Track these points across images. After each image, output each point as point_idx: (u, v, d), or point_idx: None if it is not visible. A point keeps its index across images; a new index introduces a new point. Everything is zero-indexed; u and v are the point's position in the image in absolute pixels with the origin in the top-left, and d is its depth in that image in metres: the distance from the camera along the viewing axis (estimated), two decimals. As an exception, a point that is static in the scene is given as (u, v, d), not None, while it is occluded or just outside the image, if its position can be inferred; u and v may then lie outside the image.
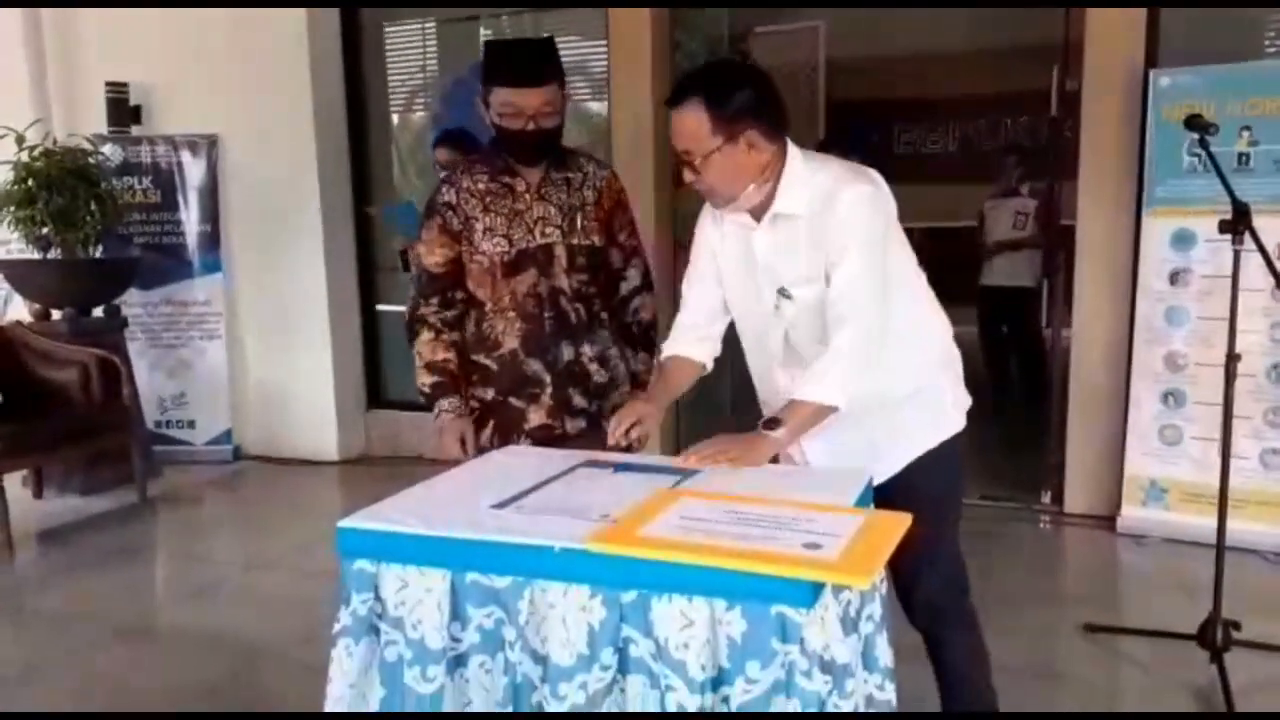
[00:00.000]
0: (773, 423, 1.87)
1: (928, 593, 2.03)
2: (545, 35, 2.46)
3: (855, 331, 1.83)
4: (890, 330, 1.87)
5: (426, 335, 2.35)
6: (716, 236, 2.03)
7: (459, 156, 4.29)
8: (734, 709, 1.42)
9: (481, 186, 2.32)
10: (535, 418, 2.34)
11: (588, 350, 2.37)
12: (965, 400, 2.07)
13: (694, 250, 2.09)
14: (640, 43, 4.76)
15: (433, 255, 2.35)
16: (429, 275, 2.36)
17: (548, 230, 2.31)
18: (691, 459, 1.89)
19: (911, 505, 1.87)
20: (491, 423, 2.38)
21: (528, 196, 2.32)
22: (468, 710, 1.60)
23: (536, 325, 2.32)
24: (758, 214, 1.91)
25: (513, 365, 2.33)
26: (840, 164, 1.92)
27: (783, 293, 1.91)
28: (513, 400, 2.36)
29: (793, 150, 1.90)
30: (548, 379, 2.33)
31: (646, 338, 2.45)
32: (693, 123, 1.81)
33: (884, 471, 1.96)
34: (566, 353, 2.34)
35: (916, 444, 1.98)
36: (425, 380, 2.36)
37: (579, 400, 2.37)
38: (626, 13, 4.78)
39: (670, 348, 2.13)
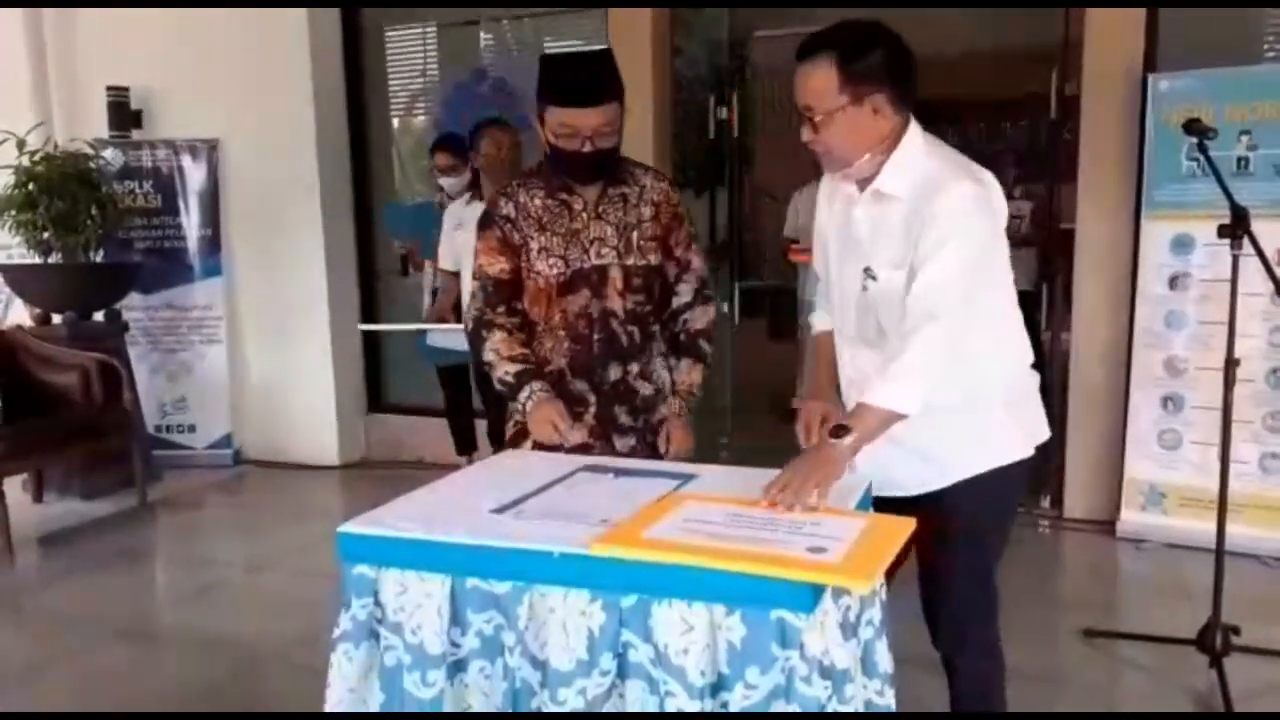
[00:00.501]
0: (840, 430, 1.76)
1: (951, 613, 1.98)
2: (602, 48, 2.32)
3: (933, 336, 1.74)
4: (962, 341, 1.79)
5: (499, 334, 2.24)
6: (826, 209, 2.01)
7: (458, 161, 4.31)
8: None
9: (538, 203, 2.24)
10: (575, 436, 2.22)
11: (634, 368, 2.29)
12: (1037, 430, 1.98)
13: (815, 225, 2.07)
14: (640, 47, 4.77)
15: (497, 263, 2.25)
16: (495, 283, 2.26)
17: (603, 251, 2.23)
18: (773, 494, 1.70)
19: (950, 525, 1.88)
20: (531, 439, 2.26)
21: (584, 215, 2.23)
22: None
23: (585, 346, 2.24)
24: (863, 186, 1.86)
25: (558, 384, 2.24)
26: (958, 157, 1.85)
27: (868, 272, 1.85)
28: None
29: (914, 127, 1.82)
30: (593, 399, 2.26)
31: (694, 345, 2.33)
32: (820, 78, 1.75)
33: (927, 484, 1.92)
34: (614, 373, 2.26)
35: (962, 464, 1.90)
36: (508, 370, 2.21)
37: (625, 418, 2.28)
38: (626, 17, 4.79)
39: (819, 322, 2.10)
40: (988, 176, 1.84)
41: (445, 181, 4.35)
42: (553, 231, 2.22)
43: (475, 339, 2.28)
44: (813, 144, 1.82)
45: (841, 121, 1.76)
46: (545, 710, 1.50)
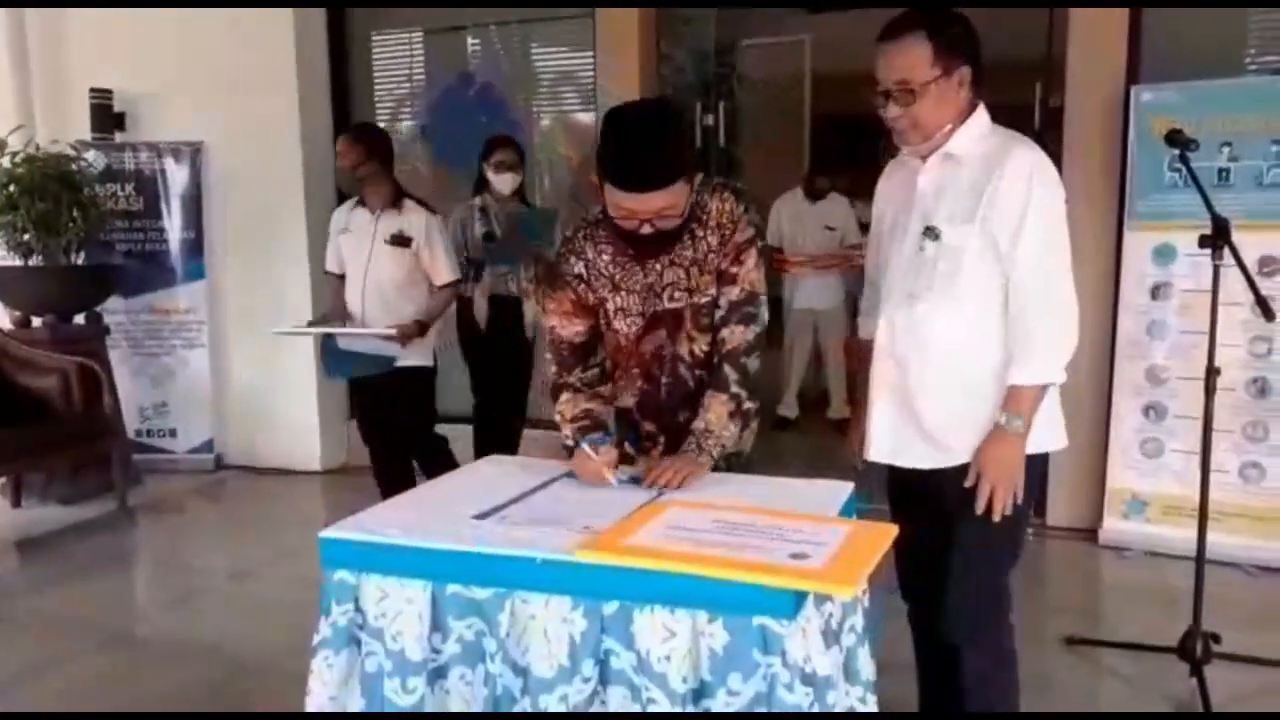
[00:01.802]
0: (1012, 419, 1.85)
1: (957, 601, 1.97)
2: (667, 125, 1.92)
3: (1051, 301, 1.84)
4: (977, 313, 1.88)
5: (565, 395, 2.14)
6: (885, 188, 2.10)
7: (517, 159, 4.27)
8: (715, 721, 1.42)
9: (606, 259, 2.08)
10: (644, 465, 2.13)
11: None
12: (1056, 431, 1.98)
13: (874, 209, 2.15)
14: (627, 55, 4.78)
15: (571, 326, 2.13)
16: (570, 346, 2.14)
17: (676, 295, 2.08)
18: (986, 493, 1.87)
19: (957, 511, 1.90)
20: None
21: (658, 267, 2.07)
22: (448, 722, 1.59)
23: (654, 388, 2.16)
24: (925, 155, 1.95)
25: (627, 421, 2.21)
26: (1017, 134, 1.94)
27: (929, 232, 1.92)
28: (627, 446, 2.22)
29: (982, 105, 1.93)
30: (662, 438, 2.18)
31: (719, 371, 2.06)
32: (914, 54, 1.85)
33: (934, 460, 1.95)
34: (682, 415, 2.13)
35: (966, 449, 1.92)
36: (567, 431, 2.11)
37: (716, 455, 2.10)
38: (614, 25, 4.80)
39: (865, 328, 2.14)
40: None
41: (501, 178, 4.26)
42: (628, 290, 2.09)
43: (552, 398, 2.20)
44: (898, 119, 1.91)
45: (933, 94, 1.86)
46: (526, 717, 1.49)
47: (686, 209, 1.96)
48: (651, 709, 1.43)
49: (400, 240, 3.76)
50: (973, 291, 1.89)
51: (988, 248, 1.86)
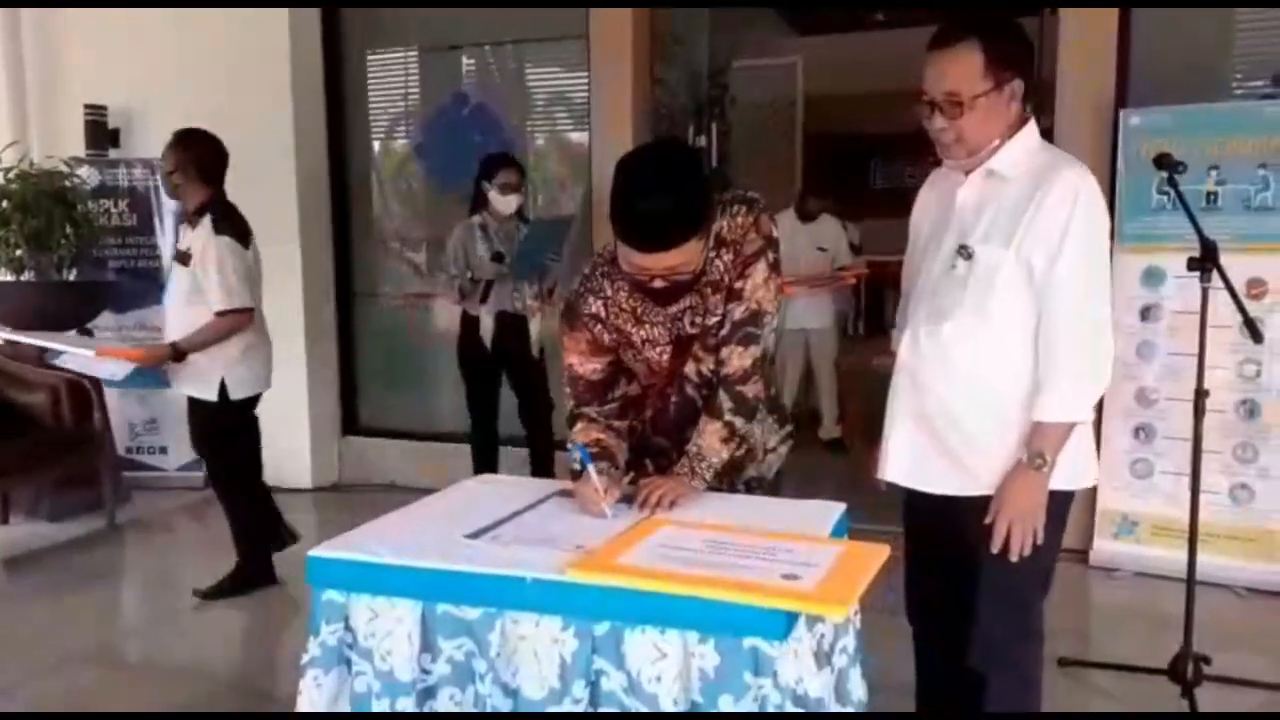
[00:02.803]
0: (1037, 458, 1.78)
1: (981, 631, 1.90)
2: (683, 179, 1.82)
3: (1081, 333, 1.76)
4: (1006, 338, 1.81)
5: (580, 424, 2.11)
6: (923, 201, 2.03)
7: (520, 179, 4.27)
8: (706, 743, 1.41)
9: (625, 294, 2.01)
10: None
11: None
12: (1087, 468, 1.92)
13: (911, 221, 2.07)
14: (621, 77, 4.81)
15: (588, 364, 2.07)
16: (587, 383, 2.09)
17: (695, 320, 2.01)
18: (1003, 532, 1.80)
19: (978, 544, 1.83)
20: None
21: (684, 298, 1.99)
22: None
23: (664, 405, 2.12)
24: (969, 170, 1.87)
25: (643, 436, 2.19)
26: (1067, 155, 1.88)
27: (963, 251, 1.84)
28: (646, 461, 2.20)
29: (1031, 120, 1.86)
30: (675, 455, 2.09)
31: (713, 396, 2.00)
32: (965, 63, 1.76)
33: (954, 486, 1.90)
34: (690, 433, 2.05)
35: (989, 476, 1.86)
36: (576, 455, 2.08)
37: (709, 478, 2.06)
38: (607, 46, 4.83)
39: (896, 340, 2.05)
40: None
41: (505, 199, 4.24)
42: (651, 322, 2.02)
43: (568, 428, 2.16)
44: (944, 132, 1.82)
45: (982, 107, 1.77)
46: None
47: (702, 262, 1.89)
48: (642, 730, 1.43)
49: (182, 257, 3.63)
50: (1003, 315, 1.81)
51: (1022, 272, 1.78)
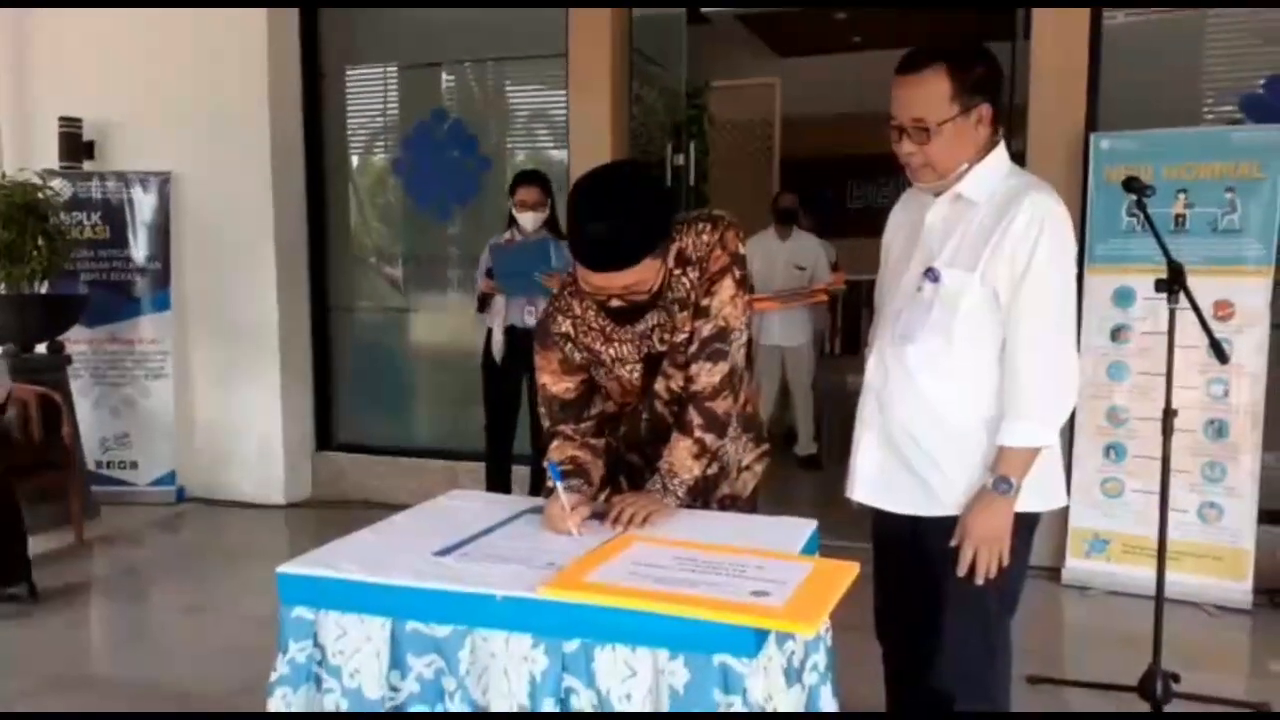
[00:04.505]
0: (1001, 482, 1.78)
1: (948, 654, 1.91)
2: (635, 200, 1.83)
3: (1044, 358, 1.76)
4: (971, 362, 1.82)
5: (555, 442, 2.10)
6: (894, 222, 2.04)
7: (544, 197, 4.26)
8: (675, 761, 1.41)
9: (594, 313, 2.00)
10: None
11: None
12: (1054, 490, 1.91)
13: (882, 241, 2.07)
14: (599, 96, 4.83)
15: (560, 384, 2.07)
16: (561, 403, 2.08)
17: (664, 337, 2.00)
18: (969, 556, 1.81)
19: (943, 566, 1.84)
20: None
21: (650, 315, 1.98)
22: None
23: (635, 421, 2.12)
24: (938, 192, 1.88)
25: (615, 454, 2.18)
26: (1036, 178, 1.88)
27: (929, 274, 1.84)
28: (620, 478, 2.21)
29: (1001, 144, 1.86)
30: (648, 472, 2.08)
31: (683, 413, 1.98)
32: (932, 89, 1.77)
33: (920, 507, 1.90)
34: (660, 450, 2.03)
35: (952, 496, 1.87)
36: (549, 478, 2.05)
37: (682, 495, 2.03)
38: (586, 64, 4.86)
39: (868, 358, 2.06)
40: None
41: (524, 216, 4.27)
42: (620, 340, 2.02)
43: (544, 446, 2.16)
44: (912, 156, 1.83)
45: (949, 132, 1.78)
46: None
47: (659, 282, 1.88)
48: (611, 748, 1.42)
49: None
50: (967, 339, 1.82)
51: (988, 296, 1.79)
